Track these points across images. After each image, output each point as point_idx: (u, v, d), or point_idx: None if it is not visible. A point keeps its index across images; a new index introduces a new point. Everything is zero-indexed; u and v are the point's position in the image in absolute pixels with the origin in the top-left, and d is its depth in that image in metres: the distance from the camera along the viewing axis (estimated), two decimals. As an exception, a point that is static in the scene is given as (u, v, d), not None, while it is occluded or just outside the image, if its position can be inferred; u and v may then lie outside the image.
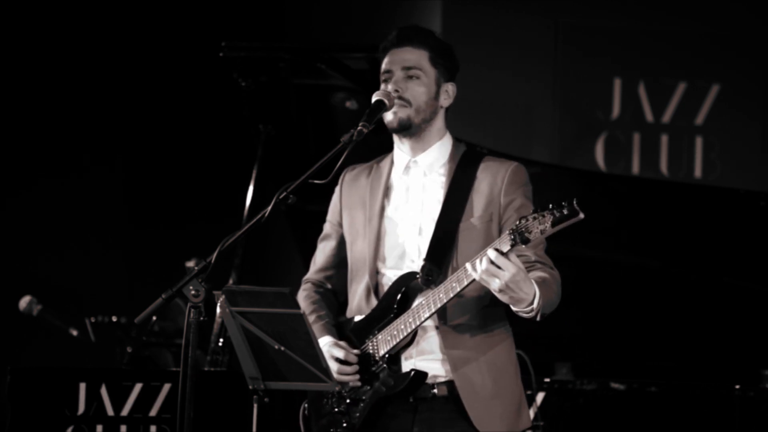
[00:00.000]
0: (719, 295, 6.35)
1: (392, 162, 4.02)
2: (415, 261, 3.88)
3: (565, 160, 9.16)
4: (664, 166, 9.39)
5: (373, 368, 3.86)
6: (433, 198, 3.91)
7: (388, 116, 3.89)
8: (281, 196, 3.68)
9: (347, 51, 6.13)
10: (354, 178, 4.06)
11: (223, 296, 3.59)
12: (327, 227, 4.13)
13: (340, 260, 4.07)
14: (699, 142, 9.40)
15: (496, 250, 3.59)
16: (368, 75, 6.03)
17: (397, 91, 3.88)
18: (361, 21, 8.99)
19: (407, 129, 3.91)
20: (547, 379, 5.68)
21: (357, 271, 3.98)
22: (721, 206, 6.35)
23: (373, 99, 3.88)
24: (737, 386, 5.58)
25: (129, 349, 6.65)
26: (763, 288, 6.22)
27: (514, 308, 3.70)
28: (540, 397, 5.58)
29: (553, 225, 3.51)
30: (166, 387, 5.19)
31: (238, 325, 3.60)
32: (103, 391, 5.15)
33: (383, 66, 3.95)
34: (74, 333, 7.18)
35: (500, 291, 3.62)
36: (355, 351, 3.87)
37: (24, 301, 7.20)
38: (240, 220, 6.06)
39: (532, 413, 5.56)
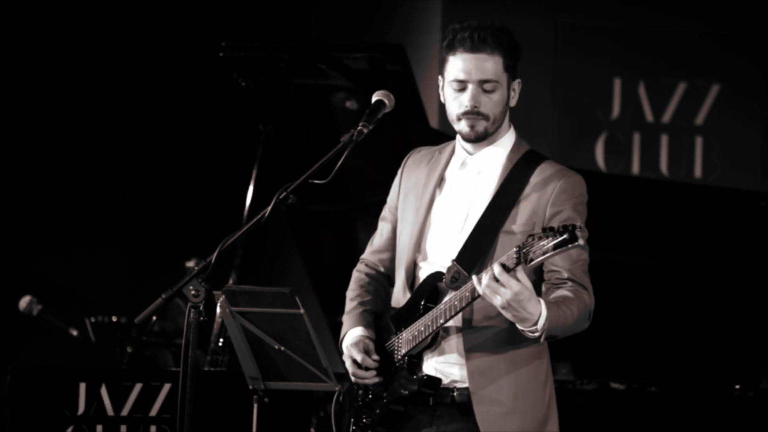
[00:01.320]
0: (719, 295, 6.34)
1: (452, 152, 3.93)
2: (451, 260, 3.79)
3: (565, 160, 9.14)
4: (664, 166, 9.39)
5: (394, 367, 3.83)
6: (482, 198, 3.82)
7: (464, 129, 3.80)
8: (281, 196, 3.67)
9: (347, 51, 6.13)
10: (416, 162, 3.98)
11: (223, 296, 3.58)
12: (386, 208, 4.05)
13: (394, 244, 3.99)
14: (699, 142, 9.40)
15: (501, 266, 3.51)
16: (368, 75, 6.03)
17: (475, 107, 3.78)
18: (361, 21, 8.99)
19: (483, 139, 3.84)
20: (547, 379, 5.67)
21: (400, 260, 3.92)
22: (721, 206, 6.35)
23: (373, 99, 3.86)
24: (737, 386, 5.58)
25: (129, 349, 6.65)
26: (763, 288, 6.21)
27: (518, 326, 3.63)
28: (540, 397, 5.57)
29: (555, 248, 3.44)
30: (166, 387, 5.19)
31: (238, 325, 3.60)
32: (103, 391, 5.15)
33: (453, 71, 3.80)
34: (74, 333, 7.18)
35: (503, 308, 3.55)
36: (375, 357, 3.81)
37: (24, 301, 7.20)
38: (240, 220, 6.06)
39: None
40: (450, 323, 3.74)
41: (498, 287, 3.52)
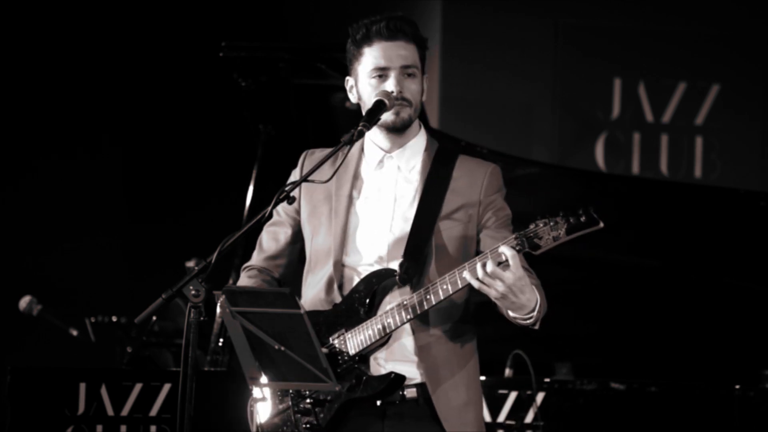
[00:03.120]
0: (719, 296, 6.35)
1: (362, 152, 3.90)
2: (383, 258, 3.76)
3: (565, 160, 9.16)
4: (664, 166, 9.40)
5: (340, 368, 3.76)
6: (407, 194, 3.81)
7: (389, 117, 3.76)
8: (281, 196, 3.66)
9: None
10: (315, 162, 3.85)
11: (223, 296, 3.57)
12: (280, 213, 3.96)
13: (292, 250, 3.95)
14: (699, 142, 9.41)
15: (504, 252, 3.47)
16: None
17: (401, 92, 3.77)
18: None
19: (407, 128, 3.82)
20: (547, 379, 5.68)
21: (317, 263, 3.85)
22: (721, 206, 6.35)
23: (374, 99, 3.85)
24: (737, 386, 5.58)
25: (129, 349, 6.65)
26: (763, 288, 6.22)
27: (512, 314, 3.60)
28: (540, 397, 5.58)
29: (569, 233, 3.42)
30: (166, 387, 5.19)
31: (238, 325, 3.60)
32: (103, 391, 5.16)
33: (373, 60, 3.79)
34: (74, 333, 7.18)
35: (502, 296, 3.52)
36: (323, 350, 3.74)
37: (24, 301, 7.21)
38: (240, 220, 6.06)
39: (531, 413, 5.57)
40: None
41: (501, 273, 3.49)
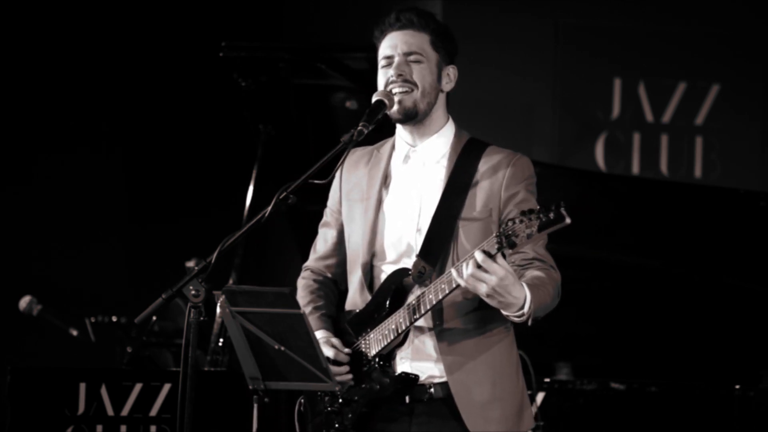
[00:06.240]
0: (719, 296, 6.35)
1: (393, 148, 3.91)
2: (411, 257, 3.76)
3: (565, 160, 9.16)
4: (664, 166, 9.40)
5: (365, 368, 3.78)
6: (432, 191, 3.80)
7: (392, 110, 3.77)
8: (281, 196, 3.66)
9: (347, 51, 6.13)
10: (354, 163, 3.94)
11: (223, 296, 3.57)
12: (327, 213, 4.01)
13: (340, 249, 3.97)
14: (699, 142, 9.41)
15: (484, 252, 3.48)
16: (368, 75, 6.03)
17: (401, 75, 3.77)
18: (361, 21, 8.99)
19: (413, 117, 3.80)
20: (547, 379, 5.68)
21: (352, 264, 3.88)
22: (721, 206, 6.36)
23: (374, 99, 3.84)
24: (737, 386, 5.58)
25: (129, 349, 6.65)
26: (763, 288, 6.22)
27: (504, 312, 3.60)
28: (540, 397, 5.58)
29: (540, 229, 3.41)
30: (166, 387, 5.20)
31: (238, 325, 3.60)
32: (103, 391, 5.16)
33: (382, 50, 3.83)
34: (74, 333, 7.18)
35: (488, 296, 3.52)
36: (347, 350, 3.79)
37: (24, 301, 7.21)
38: (240, 220, 6.06)
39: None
40: (421, 321, 3.72)
41: (482, 275, 3.48)
